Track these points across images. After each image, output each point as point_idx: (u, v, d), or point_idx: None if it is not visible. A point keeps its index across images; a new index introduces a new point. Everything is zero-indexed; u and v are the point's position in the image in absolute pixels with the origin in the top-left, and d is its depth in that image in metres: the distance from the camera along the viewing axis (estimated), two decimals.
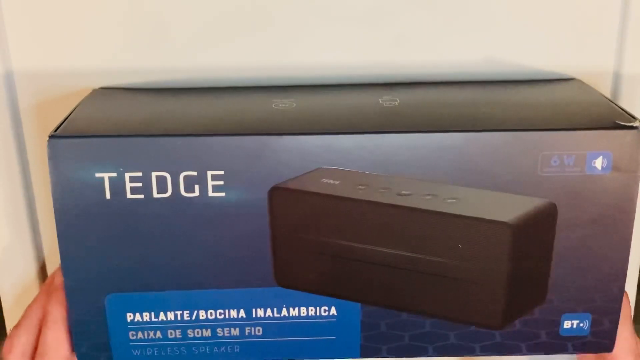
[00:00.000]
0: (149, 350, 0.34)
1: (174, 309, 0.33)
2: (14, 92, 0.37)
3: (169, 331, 0.34)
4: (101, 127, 0.32)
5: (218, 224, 0.32)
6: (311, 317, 0.34)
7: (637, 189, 0.32)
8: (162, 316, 0.34)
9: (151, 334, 0.34)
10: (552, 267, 0.33)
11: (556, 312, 0.34)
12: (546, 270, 0.33)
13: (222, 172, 0.31)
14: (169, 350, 0.34)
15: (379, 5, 0.36)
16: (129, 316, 0.33)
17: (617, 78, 0.37)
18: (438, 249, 0.32)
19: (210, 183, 0.31)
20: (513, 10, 0.36)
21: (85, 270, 0.32)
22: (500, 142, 0.31)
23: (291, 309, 0.34)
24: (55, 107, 0.36)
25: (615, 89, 0.38)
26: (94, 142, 0.31)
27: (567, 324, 0.34)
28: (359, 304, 0.34)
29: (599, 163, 0.31)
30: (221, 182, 0.31)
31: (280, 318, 0.34)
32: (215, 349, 0.35)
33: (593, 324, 0.34)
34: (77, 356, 0.34)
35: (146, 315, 0.33)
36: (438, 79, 0.37)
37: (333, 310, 0.34)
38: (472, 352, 0.35)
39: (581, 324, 0.34)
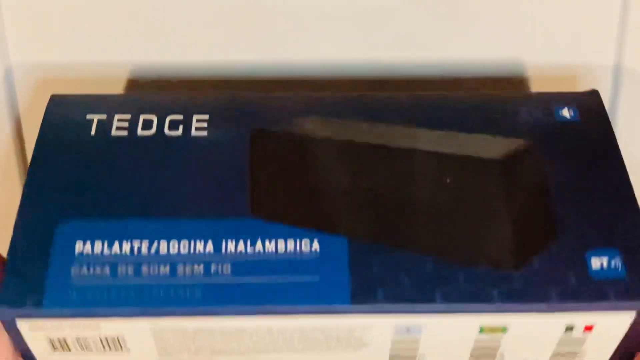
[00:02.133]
0: (90, 291, 0.28)
1: (131, 238, 0.29)
2: (12, 87, 0.38)
3: (120, 267, 0.28)
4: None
5: (196, 157, 0.31)
6: (290, 252, 0.29)
7: (611, 128, 0.32)
8: (115, 247, 0.28)
9: (98, 269, 0.28)
10: (553, 203, 0.30)
11: (577, 249, 0.29)
12: (545, 203, 0.30)
13: (207, 117, 0.32)
14: (113, 292, 0.28)
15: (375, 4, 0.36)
16: (78, 246, 0.28)
17: (617, 72, 0.37)
18: (427, 186, 0.31)
19: (194, 125, 0.32)
20: (511, 4, 0.36)
21: (47, 197, 0.30)
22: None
23: (267, 241, 0.29)
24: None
25: (615, 83, 0.37)
26: (92, 97, 0.33)
27: (595, 263, 0.29)
28: (345, 239, 0.29)
29: (566, 112, 0.33)
30: (205, 124, 0.32)
31: (253, 254, 0.29)
32: (172, 292, 0.28)
33: (628, 263, 0.28)
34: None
35: (98, 246, 0.28)
36: (433, 73, 0.38)
37: (316, 245, 0.29)
38: (489, 299, 0.28)
39: (613, 263, 0.29)
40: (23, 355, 0.30)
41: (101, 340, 0.29)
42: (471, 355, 0.30)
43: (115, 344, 0.29)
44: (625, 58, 0.37)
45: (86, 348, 0.29)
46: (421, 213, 0.30)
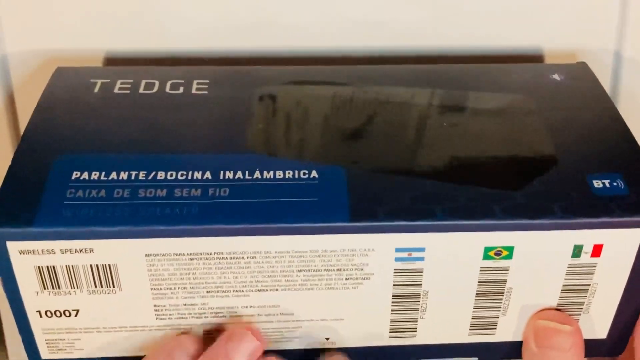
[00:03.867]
0: (84, 210, 0.27)
1: (129, 169, 0.28)
2: (7, 74, 0.38)
3: (116, 190, 0.28)
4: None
5: (196, 108, 0.32)
6: (288, 179, 0.28)
7: (601, 86, 0.33)
8: (113, 175, 0.28)
9: (94, 192, 0.27)
10: (551, 139, 0.30)
11: (578, 172, 0.29)
12: (544, 137, 0.30)
13: (207, 81, 0.33)
14: (108, 212, 0.27)
15: None
16: (75, 174, 0.28)
17: (618, 57, 0.37)
18: (425, 119, 0.31)
19: (195, 86, 0.33)
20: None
21: (47, 136, 0.30)
22: None
23: (265, 172, 0.28)
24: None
25: (617, 68, 0.38)
26: (96, 67, 0.34)
27: (597, 184, 0.28)
28: (343, 168, 0.29)
29: (556, 76, 0.34)
30: (205, 86, 0.33)
31: (251, 180, 0.28)
32: (169, 210, 0.27)
33: (630, 184, 0.28)
34: None
35: (95, 175, 0.28)
36: (432, 54, 0.38)
37: (314, 174, 0.28)
38: (492, 215, 0.27)
39: (615, 183, 0.28)
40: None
41: (92, 271, 0.28)
42: (477, 294, 0.29)
43: (106, 276, 0.28)
44: (626, 45, 0.37)
45: (76, 283, 0.28)
46: (419, 141, 0.30)
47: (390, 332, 0.30)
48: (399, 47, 0.37)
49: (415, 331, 0.30)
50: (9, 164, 0.28)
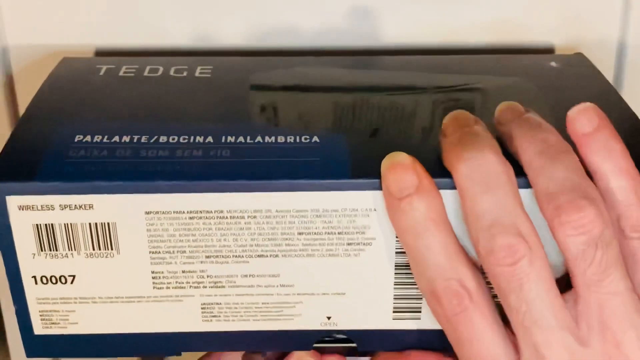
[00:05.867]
0: (86, 167, 0.27)
1: (131, 134, 0.29)
2: (8, 64, 0.38)
3: (118, 151, 0.28)
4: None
5: (199, 88, 0.32)
6: (290, 143, 0.28)
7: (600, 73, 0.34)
8: (115, 138, 0.28)
9: (96, 152, 0.28)
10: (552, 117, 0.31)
11: None
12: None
13: (210, 67, 0.34)
14: (109, 168, 0.27)
15: None
16: (78, 137, 0.28)
17: (621, 48, 0.37)
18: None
19: (198, 71, 0.34)
20: None
21: (51, 107, 0.31)
22: None
23: (267, 137, 0.29)
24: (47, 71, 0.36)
25: (620, 60, 0.38)
26: (101, 57, 0.36)
27: None
28: (344, 135, 0.29)
29: (554, 64, 0.35)
30: (209, 71, 0.34)
31: (253, 143, 0.28)
32: (170, 167, 0.27)
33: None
34: None
35: (97, 137, 0.28)
36: (433, 46, 0.38)
37: (315, 139, 0.29)
38: None
39: None
40: None
41: (91, 230, 0.27)
42: None
43: (105, 236, 0.27)
44: (630, 33, 0.37)
45: (74, 244, 0.28)
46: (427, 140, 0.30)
47: (394, 311, 0.29)
48: (405, 42, 0.38)
49: (420, 312, 0.29)
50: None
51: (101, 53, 0.37)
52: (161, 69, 0.34)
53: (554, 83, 0.33)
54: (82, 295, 0.29)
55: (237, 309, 0.29)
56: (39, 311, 0.29)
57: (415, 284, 0.28)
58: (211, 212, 0.27)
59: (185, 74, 0.33)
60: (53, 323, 0.29)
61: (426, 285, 0.26)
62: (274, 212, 0.27)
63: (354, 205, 0.27)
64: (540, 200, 0.25)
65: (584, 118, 0.26)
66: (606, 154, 0.26)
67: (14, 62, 0.38)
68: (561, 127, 0.27)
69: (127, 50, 0.37)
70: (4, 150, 0.28)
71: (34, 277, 0.28)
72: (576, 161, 0.26)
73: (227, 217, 0.27)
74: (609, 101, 0.31)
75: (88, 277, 0.28)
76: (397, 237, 0.28)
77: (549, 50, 0.38)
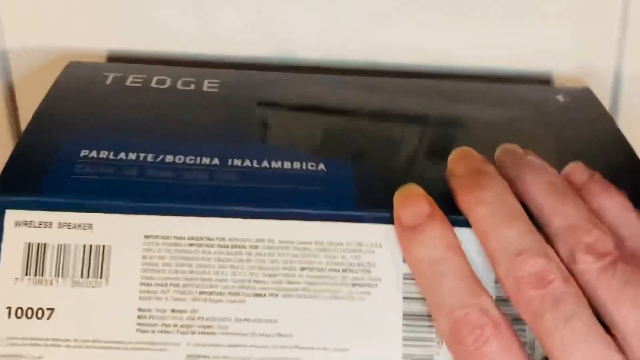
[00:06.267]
0: (90, 184, 0.27)
1: (137, 151, 0.29)
2: (8, 69, 0.37)
3: (124, 169, 0.28)
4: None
5: (207, 103, 0.33)
6: (296, 169, 0.29)
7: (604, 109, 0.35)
8: (121, 155, 0.28)
9: (102, 169, 0.28)
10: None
11: None
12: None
13: (218, 81, 0.35)
14: (114, 187, 0.27)
15: None
16: (84, 152, 0.28)
17: (617, 77, 0.37)
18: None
19: (206, 85, 0.35)
20: (511, 6, 0.37)
21: (57, 118, 0.31)
22: None
23: (273, 161, 0.29)
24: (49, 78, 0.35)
25: (616, 89, 0.37)
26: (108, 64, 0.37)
27: None
28: (350, 163, 0.29)
29: (560, 97, 0.36)
30: (216, 85, 0.35)
31: (259, 168, 0.28)
32: (175, 189, 0.27)
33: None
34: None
35: (104, 154, 0.28)
36: (428, 71, 0.37)
37: (322, 166, 0.29)
38: None
39: None
40: None
41: (84, 253, 0.26)
42: None
43: (97, 261, 0.26)
44: (626, 63, 0.37)
45: (62, 269, 0.26)
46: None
47: None
48: (409, 67, 0.38)
49: None
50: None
51: (109, 58, 0.38)
52: (169, 80, 0.34)
53: (559, 119, 0.33)
54: (56, 336, 0.26)
55: None
56: (2, 356, 0.25)
57: (428, 341, 0.26)
58: (212, 239, 0.26)
59: (192, 87, 0.34)
60: None
61: (445, 318, 0.24)
62: (277, 242, 0.27)
63: (359, 238, 0.27)
64: (558, 236, 0.25)
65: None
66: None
67: (14, 67, 0.37)
68: (565, 164, 0.28)
69: (133, 56, 0.38)
70: (8, 163, 0.28)
71: (9, 308, 0.26)
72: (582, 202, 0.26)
73: (228, 246, 0.26)
74: (612, 141, 0.32)
75: (68, 312, 0.26)
76: (405, 278, 0.26)
77: (545, 79, 0.38)
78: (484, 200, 0.26)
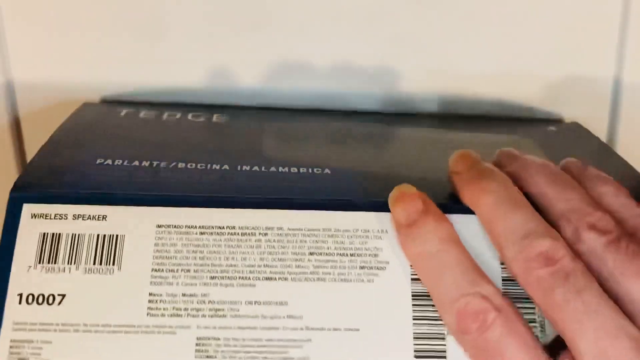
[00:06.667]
0: (105, 180, 0.28)
1: (150, 159, 0.30)
2: (14, 100, 0.37)
3: (138, 172, 0.29)
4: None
5: (217, 131, 0.35)
6: (303, 173, 0.30)
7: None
8: (135, 163, 0.30)
9: (117, 171, 0.29)
10: None
11: None
12: None
13: (227, 117, 0.37)
14: (129, 183, 0.28)
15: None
16: (99, 160, 0.30)
17: (617, 85, 0.37)
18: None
19: (215, 117, 0.37)
20: (508, 26, 0.37)
21: (74, 137, 0.33)
22: None
23: (280, 167, 0.30)
24: (57, 117, 0.36)
25: (615, 100, 0.37)
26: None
27: None
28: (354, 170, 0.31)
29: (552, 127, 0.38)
30: (226, 117, 0.36)
31: (267, 172, 0.30)
32: (187, 185, 0.28)
33: None
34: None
35: (118, 161, 0.30)
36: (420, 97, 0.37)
37: (327, 170, 0.30)
38: None
39: None
40: None
41: (97, 242, 0.27)
42: None
43: (110, 249, 0.27)
44: (625, 72, 0.37)
45: (75, 256, 0.26)
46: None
47: (415, 356, 0.26)
48: (408, 107, 0.38)
49: (445, 357, 0.26)
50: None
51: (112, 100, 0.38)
52: (179, 114, 0.36)
53: (553, 142, 0.34)
54: (65, 321, 0.26)
55: (236, 348, 0.25)
56: (10, 340, 0.25)
57: (438, 320, 0.26)
58: (223, 227, 0.27)
59: (202, 119, 0.36)
60: (21, 358, 0.25)
61: (449, 312, 0.25)
62: (286, 229, 0.27)
63: (365, 225, 0.27)
64: (561, 219, 0.26)
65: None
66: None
67: (19, 97, 0.38)
68: None
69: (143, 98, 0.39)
70: (27, 167, 0.29)
71: (20, 294, 0.26)
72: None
73: (238, 234, 0.27)
74: (609, 160, 0.33)
75: (79, 297, 0.26)
76: (411, 265, 0.27)
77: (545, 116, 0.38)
78: (489, 190, 0.27)
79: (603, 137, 0.38)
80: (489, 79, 0.38)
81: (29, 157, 0.38)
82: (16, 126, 0.39)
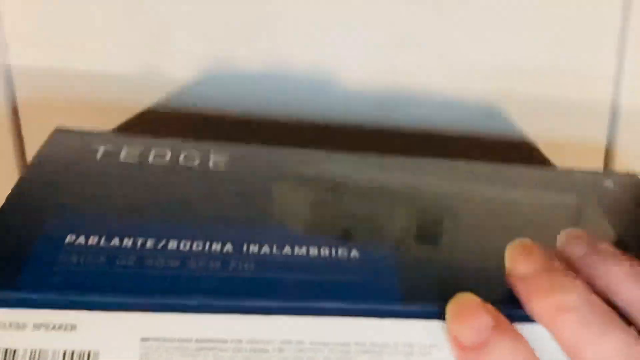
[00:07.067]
0: (77, 278, 0.22)
1: (134, 235, 0.23)
2: (12, 88, 0.35)
3: (118, 258, 0.22)
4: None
5: (214, 182, 0.28)
6: (324, 256, 0.24)
7: None
8: (115, 241, 0.23)
9: (90, 258, 0.22)
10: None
11: None
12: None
13: (226, 157, 0.29)
14: (106, 281, 0.22)
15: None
16: (70, 237, 0.23)
17: (614, 109, 0.36)
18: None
19: (212, 159, 0.29)
20: (505, 38, 0.35)
21: (40, 195, 0.26)
22: None
23: (297, 247, 0.24)
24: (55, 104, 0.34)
25: (613, 120, 0.36)
26: (98, 132, 0.30)
27: None
28: (388, 251, 0.24)
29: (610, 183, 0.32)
30: (223, 161, 0.29)
31: (280, 255, 0.23)
32: (179, 281, 0.22)
33: None
34: None
35: (93, 239, 0.23)
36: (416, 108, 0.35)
37: (354, 253, 0.24)
38: None
39: None
40: None
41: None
42: None
43: None
44: (623, 95, 0.36)
45: None
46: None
47: None
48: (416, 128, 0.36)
49: None
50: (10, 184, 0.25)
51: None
52: (168, 154, 0.29)
53: (611, 206, 0.29)
54: None
55: None
56: None
57: None
58: (226, 341, 0.21)
59: (196, 162, 0.29)
60: None
61: None
62: (308, 344, 0.21)
63: (409, 338, 0.21)
64: None
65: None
66: None
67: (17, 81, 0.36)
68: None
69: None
70: None
71: None
72: None
73: (246, 350, 0.21)
74: None
75: None
76: None
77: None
78: (568, 306, 0.21)
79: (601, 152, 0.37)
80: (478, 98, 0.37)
81: (27, 143, 0.37)
82: (14, 113, 0.37)
